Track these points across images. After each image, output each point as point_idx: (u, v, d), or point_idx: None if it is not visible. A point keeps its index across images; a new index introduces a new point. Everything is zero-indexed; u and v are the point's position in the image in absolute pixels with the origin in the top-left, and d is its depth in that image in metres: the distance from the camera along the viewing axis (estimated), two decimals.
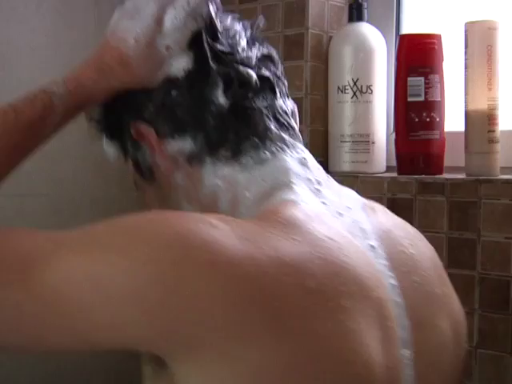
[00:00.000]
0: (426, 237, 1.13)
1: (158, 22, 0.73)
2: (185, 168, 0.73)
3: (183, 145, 0.72)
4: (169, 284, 0.57)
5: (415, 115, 1.20)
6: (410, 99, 1.20)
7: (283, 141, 0.73)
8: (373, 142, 1.29)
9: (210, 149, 0.72)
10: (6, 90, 1.21)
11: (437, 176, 1.17)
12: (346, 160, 1.29)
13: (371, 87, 1.28)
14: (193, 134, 0.72)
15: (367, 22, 1.30)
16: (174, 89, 0.72)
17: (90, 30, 1.32)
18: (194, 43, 0.72)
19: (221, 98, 0.71)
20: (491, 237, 1.08)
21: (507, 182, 1.07)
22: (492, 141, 1.13)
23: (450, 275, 1.11)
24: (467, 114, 1.14)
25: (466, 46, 1.14)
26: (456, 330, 0.75)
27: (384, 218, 0.76)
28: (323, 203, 0.70)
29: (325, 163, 1.33)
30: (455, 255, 1.11)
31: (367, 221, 0.72)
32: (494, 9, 1.20)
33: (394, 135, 1.27)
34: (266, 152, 0.72)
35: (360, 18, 1.30)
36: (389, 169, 1.30)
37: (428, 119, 1.20)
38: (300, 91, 1.30)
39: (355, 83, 1.28)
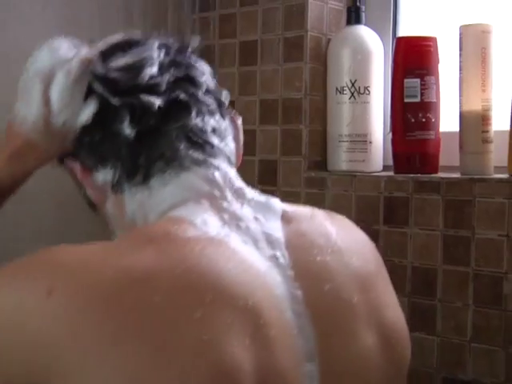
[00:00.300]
0: (421, 234, 1.14)
1: (46, 103, 0.76)
2: (112, 197, 0.76)
3: (106, 176, 0.75)
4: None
5: (411, 116, 1.20)
6: (406, 100, 1.21)
7: (192, 159, 0.74)
8: (370, 142, 1.29)
9: (127, 176, 0.74)
10: (12, 90, 1.22)
11: (432, 175, 1.18)
12: (344, 159, 1.29)
13: (369, 88, 1.29)
14: (112, 164, 0.75)
15: (365, 24, 1.31)
16: (88, 131, 0.75)
17: (95, 32, 1.32)
18: (92, 93, 0.74)
19: (126, 129, 0.73)
20: (485, 234, 1.08)
21: (501, 180, 1.07)
22: (486, 141, 1.13)
23: (445, 272, 1.12)
24: (462, 115, 1.15)
25: (461, 49, 1.14)
26: (387, 342, 0.73)
27: (308, 226, 0.75)
28: (221, 218, 0.70)
29: (323, 162, 1.33)
30: (450, 252, 1.12)
31: (280, 231, 0.72)
32: (488, 13, 1.20)
33: (390, 135, 1.27)
34: (171, 173, 0.73)
35: (358, 21, 1.30)
36: (386, 168, 1.30)
37: (424, 120, 1.20)
38: (299, 92, 1.31)
39: (353, 84, 1.28)
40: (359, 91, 1.28)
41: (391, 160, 1.25)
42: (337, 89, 1.30)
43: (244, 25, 1.38)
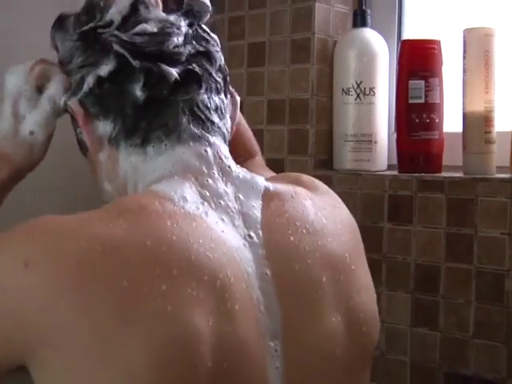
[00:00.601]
0: (425, 232, 1.14)
1: (15, 115, 0.81)
2: (107, 150, 0.77)
3: (106, 127, 0.76)
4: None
5: (416, 116, 1.20)
6: (410, 101, 1.21)
7: (190, 134, 0.75)
8: (375, 142, 1.29)
9: (125, 134, 0.75)
10: None
11: (436, 174, 1.18)
12: (349, 158, 1.30)
13: (374, 89, 1.29)
14: (114, 118, 0.76)
15: (370, 27, 1.31)
16: (101, 83, 0.76)
17: None
18: (112, 51, 0.75)
19: (138, 91, 0.74)
20: (487, 232, 1.08)
21: (503, 180, 1.07)
22: (488, 141, 1.13)
23: (448, 269, 1.12)
24: (465, 116, 1.15)
25: (465, 52, 1.14)
26: (353, 322, 0.74)
27: (287, 206, 0.76)
28: (201, 195, 0.72)
29: (329, 161, 1.33)
30: (453, 250, 1.12)
31: (258, 211, 0.74)
32: (491, 16, 1.20)
33: (395, 135, 1.27)
34: (167, 144, 0.74)
35: (364, 24, 1.30)
36: (390, 167, 1.30)
37: (428, 120, 1.20)
38: (306, 93, 1.31)
39: (359, 85, 1.28)
40: (365, 92, 1.28)
41: (396, 159, 1.25)
42: (343, 90, 1.30)
43: (252, 27, 1.38)
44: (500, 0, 1.22)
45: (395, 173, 1.23)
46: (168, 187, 0.71)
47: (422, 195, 1.15)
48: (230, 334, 0.64)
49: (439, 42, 1.21)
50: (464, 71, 1.14)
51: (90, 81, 0.76)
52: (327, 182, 1.27)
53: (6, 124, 0.81)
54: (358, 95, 1.28)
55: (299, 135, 1.32)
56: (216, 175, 0.74)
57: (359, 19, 1.31)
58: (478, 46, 1.13)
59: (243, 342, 0.65)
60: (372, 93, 1.28)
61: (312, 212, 0.77)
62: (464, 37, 1.14)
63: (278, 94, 1.34)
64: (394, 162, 1.26)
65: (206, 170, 0.74)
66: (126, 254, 0.62)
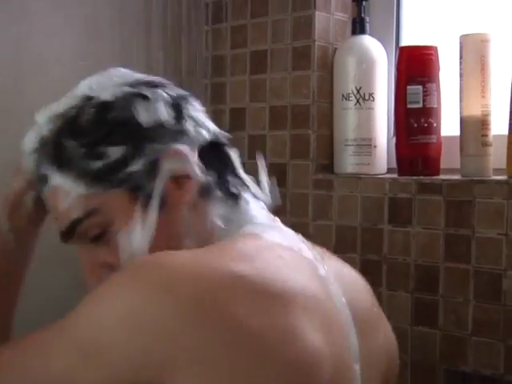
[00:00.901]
0: (424, 234, 1.15)
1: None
2: (195, 201, 0.75)
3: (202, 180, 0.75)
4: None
5: (414, 121, 1.21)
6: (409, 106, 1.21)
7: (250, 189, 0.80)
8: (375, 146, 1.29)
9: (219, 186, 0.76)
10: (37, 97, 1.22)
11: (434, 177, 1.18)
12: (349, 162, 1.30)
13: (373, 95, 1.29)
14: (213, 174, 0.77)
15: (369, 34, 1.31)
16: (205, 151, 0.77)
17: (115, 42, 1.33)
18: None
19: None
20: (485, 233, 1.08)
21: (499, 182, 1.08)
22: (485, 144, 1.13)
23: (447, 269, 1.13)
24: (462, 120, 1.15)
25: (461, 57, 1.14)
26: (388, 348, 0.81)
27: (331, 255, 0.83)
28: (286, 234, 0.77)
29: (330, 165, 1.34)
30: (451, 250, 1.12)
31: (310, 252, 0.77)
32: (487, 23, 1.20)
33: (394, 139, 1.27)
34: (251, 194, 0.80)
35: (362, 31, 1.31)
36: (389, 170, 1.31)
37: (426, 124, 1.20)
38: (307, 99, 1.31)
39: (358, 91, 1.29)
40: (364, 98, 1.28)
41: (395, 163, 1.25)
42: (343, 95, 1.30)
43: (254, 35, 1.39)
44: (495, 6, 1.23)
45: (395, 176, 1.23)
46: (263, 230, 0.75)
47: (420, 197, 1.15)
48: (337, 355, 0.68)
49: (436, 48, 1.22)
50: (461, 76, 1.14)
51: None
52: (328, 185, 1.28)
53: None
54: (358, 101, 1.29)
55: (301, 140, 1.32)
56: (275, 222, 0.81)
57: (358, 27, 1.31)
58: (474, 51, 1.13)
59: (344, 364, 0.69)
60: (371, 98, 1.29)
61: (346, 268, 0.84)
62: (460, 43, 1.14)
63: (280, 100, 1.35)
64: (394, 165, 1.26)
65: (270, 217, 0.81)
66: (258, 294, 0.64)
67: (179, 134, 0.74)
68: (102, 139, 0.72)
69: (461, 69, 1.14)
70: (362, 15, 1.31)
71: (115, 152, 0.71)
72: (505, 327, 1.06)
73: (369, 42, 1.30)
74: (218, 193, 0.76)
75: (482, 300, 1.09)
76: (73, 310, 0.64)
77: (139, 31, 1.37)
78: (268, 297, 0.64)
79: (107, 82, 0.76)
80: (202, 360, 0.59)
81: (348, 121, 1.30)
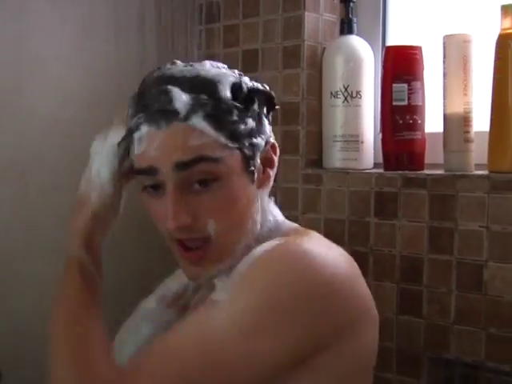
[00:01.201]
0: (409, 226, 1.16)
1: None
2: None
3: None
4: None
5: (399, 117, 1.21)
6: (394, 103, 1.21)
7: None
8: (362, 142, 1.30)
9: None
10: (35, 95, 1.23)
11: (419, 172, 1.18)
12: (337, 158, 1.31)
13: (360, 93, 1.30)
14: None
15: (357, 34, 1.32)
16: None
17: (110, 40, 1.33)
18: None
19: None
20: (467, 226, 1.09)
21: (481, 177, 1.08)
22: (467, 140, 1.14)
23: (431, 260, 1.14)
24: (445, 117, 1.16)
25: (444, 57, 1.15)
26: None
27: None
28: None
29: (319, 160, 1.34)
30: (435, 242, 1.13)
31: None
32: (469, 24, 1.21)
33: (380, 135, 1.28)
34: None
35: (350, 32, 1.31)
36: (376, 165, 1.31)
37: (411, 121, 1.21)
38: (297, 96, 1.32)
39: (346, 89, 1.29)
40: (352, 95, 1.29)
41: (381, 158, 1.26)
42: (331, 93, 1.31)
43: (246, 35, 1.39)
44: (477, 8, 1.24)
45: (381, 171, 1.24)
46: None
47: (406, 191, 1.16)
48: None
49: (421, 47, 1.22)
50: (444, 75, 1.15)
51: None
52: (317, 180, 1.29)
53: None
54: (346, 98, 1.29)
55: (291, 136, 1.33)
56: None
57: (346, 27, 1.32)
58: (456, 51, 1.13)
59: None
60: (358, 96, 1.29)
61: None
62: (444, 43, 1.15)
63: None
64: (380, 160, 1.27)
65: None
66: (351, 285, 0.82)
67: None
68: (250, 111, 0.85)
69: (444, 68, 1.15)
70: (350, 16, 1.32)
71: (251, 124, 0.84)
72: (486, 316, 1.07)
73: (356, 41, 1.31)
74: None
75: (464, 290, 1.09)
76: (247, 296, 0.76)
77: (134, 31, 1.37)
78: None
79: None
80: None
81: (336, 117, 1.30)
